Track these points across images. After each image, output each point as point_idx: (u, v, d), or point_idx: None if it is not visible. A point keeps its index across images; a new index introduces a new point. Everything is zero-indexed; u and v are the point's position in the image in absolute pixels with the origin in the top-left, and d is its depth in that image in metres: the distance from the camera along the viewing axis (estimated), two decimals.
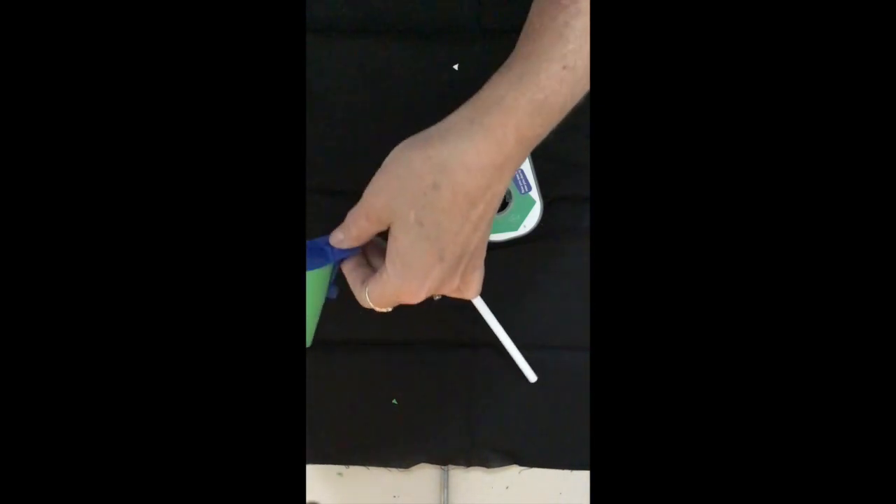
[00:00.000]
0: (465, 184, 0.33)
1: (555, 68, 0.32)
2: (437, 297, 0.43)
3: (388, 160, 0.35)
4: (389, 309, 0.39)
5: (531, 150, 0.35)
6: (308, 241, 0.39)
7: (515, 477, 0.53)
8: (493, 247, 0.48)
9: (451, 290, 0.38)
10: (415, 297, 0.36)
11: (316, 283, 0.40)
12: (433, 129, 0.34)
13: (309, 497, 0.53)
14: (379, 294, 0.37)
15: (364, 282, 0.38)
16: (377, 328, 0.50)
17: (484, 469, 0.53)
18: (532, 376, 0.50)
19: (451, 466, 0.53)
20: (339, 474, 0.53)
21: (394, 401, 0.51)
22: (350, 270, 0.40)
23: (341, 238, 0.38)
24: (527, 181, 0.47)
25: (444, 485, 0.54)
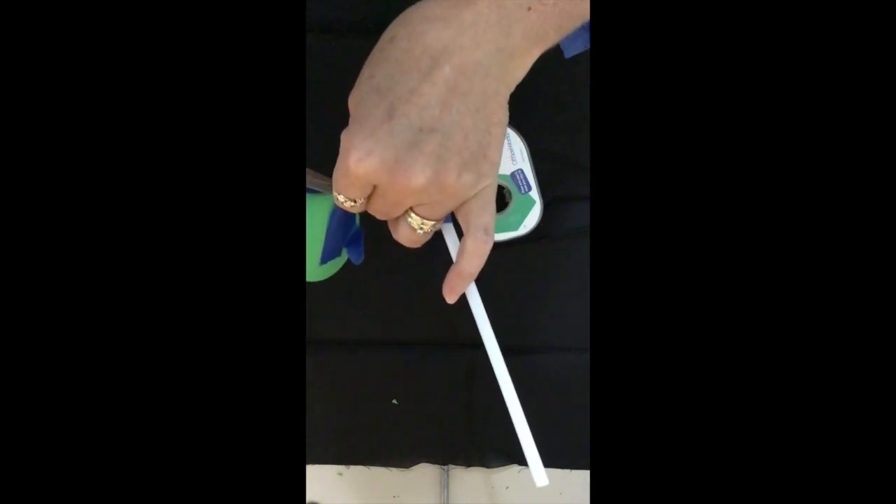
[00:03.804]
0: (424, 33, 0.29)
1: None
2: (421, 229, 0.34)
3: None
4: (356, 202, 0.33)
5: (519, 33, 0.30)
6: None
7: (515, 477, 0.53)
8: (492, 247, 0.48)
9: (445, 195, 0.32)
10: (362, 162, 0.30)
11: (316, 207, 0.37)
12: None
13: (309, 497, 0.53)
14: (337, 167, 0.32)
15: None
16: (377, 328, 0.50)
17: (484, 469, 0.53)
18: (542, 479, 0.40)
19: (451, 466, 0.53)
20: (339, 474, 0.53)
21: (394, 401, 0.51)
22: None
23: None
24: (527, 181, 0.47)
25: (444, 485, 0.54)
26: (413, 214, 0.33)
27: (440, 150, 0.30)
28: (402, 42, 0.30)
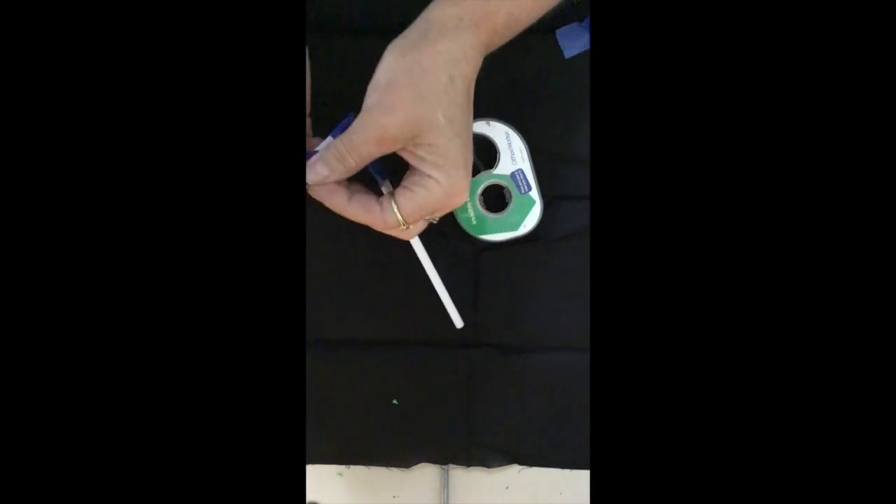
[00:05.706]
0: (468, 74, 0.35)
1: None
2: (436, 221, 0.41)
3: (387, 74, 0.34)
4: (410, 228, 0.38)
5: (480, 58, 0.36)
6: None
7: (515, 477, 0.53)
8: (493, 247, 0.48)
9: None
10: (464, 195, 0.37)
11: None
12: (421, 28, 0.35)
13: (309, 497, 0.53)
14: (422, 205, 0.36)
15: (380, 201, 0.37)
16: (377, 328, 0.50)
17: (484, 469, 0.53)
18: (458, 321, 0.49)
19: (451, 466, 0.53)
20: (339, 474, 0.53)
21: (394, 401, 0.51)
22: (334, 193, 0.37)
23: (327, 174, 0.36)
24: (527, 181, 0.47)
25: (444, 485, 0.54)
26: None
27: None
28: (459, 85, 0.34)
